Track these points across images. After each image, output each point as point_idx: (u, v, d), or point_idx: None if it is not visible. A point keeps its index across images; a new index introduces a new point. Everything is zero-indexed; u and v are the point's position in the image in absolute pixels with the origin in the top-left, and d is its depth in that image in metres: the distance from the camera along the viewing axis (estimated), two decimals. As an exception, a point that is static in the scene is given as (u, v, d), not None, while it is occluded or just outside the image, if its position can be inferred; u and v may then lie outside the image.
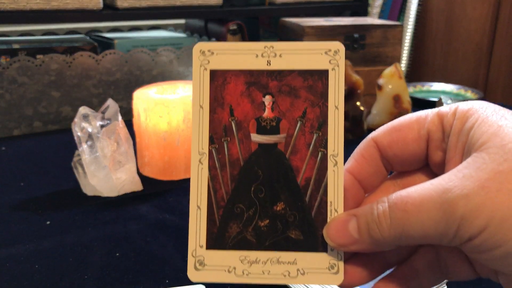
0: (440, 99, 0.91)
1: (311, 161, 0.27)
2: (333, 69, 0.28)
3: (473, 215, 0.22)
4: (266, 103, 0.28)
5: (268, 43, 0.28)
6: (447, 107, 0.27)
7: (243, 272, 0.27)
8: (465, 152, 0.25)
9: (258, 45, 0.28)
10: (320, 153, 0.27)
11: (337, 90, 0.27)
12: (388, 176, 0.30)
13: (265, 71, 0.28)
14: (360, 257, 0.28)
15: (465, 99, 1.04)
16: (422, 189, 0.23)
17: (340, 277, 0.26)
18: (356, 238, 0.25)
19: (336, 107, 0.27)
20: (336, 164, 0.27)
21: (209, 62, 0.28)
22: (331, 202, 0.27)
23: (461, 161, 0.25)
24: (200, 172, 0.27)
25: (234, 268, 0.27)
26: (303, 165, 0.27)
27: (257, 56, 0.28)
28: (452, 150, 0.26)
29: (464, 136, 0.25)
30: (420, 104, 1.04)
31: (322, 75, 0.28)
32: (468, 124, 0.25)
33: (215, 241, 0.27)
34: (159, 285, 0.45)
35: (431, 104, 1.01)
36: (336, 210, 0.27)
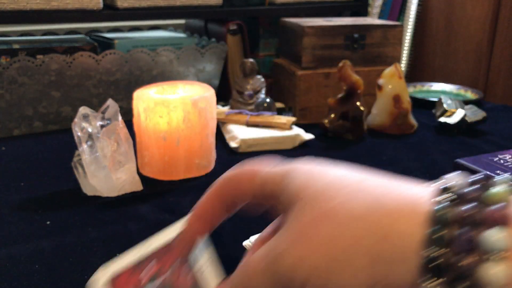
0: (440, 99, 0.91)
1: None
2: None
3: (293, 269, 0.22)
4: None
5: None
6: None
7: None
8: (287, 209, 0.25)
9: None
10: None
11: None
12: None
13: None
14: None
15: (465, 99, 1.04)
16: (257, 255, 0.24)
17: None
18: None
19: None
20: None
21: None
22: None
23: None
24: None
25: None
26: None
27: None
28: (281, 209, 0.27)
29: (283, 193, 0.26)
30: (420, 104, 1.03)
31: None
32: (284, 183, 0.26)
33: None
34: (159, 285, 0.45)
35: (431, 104, 1.01)
36: None
